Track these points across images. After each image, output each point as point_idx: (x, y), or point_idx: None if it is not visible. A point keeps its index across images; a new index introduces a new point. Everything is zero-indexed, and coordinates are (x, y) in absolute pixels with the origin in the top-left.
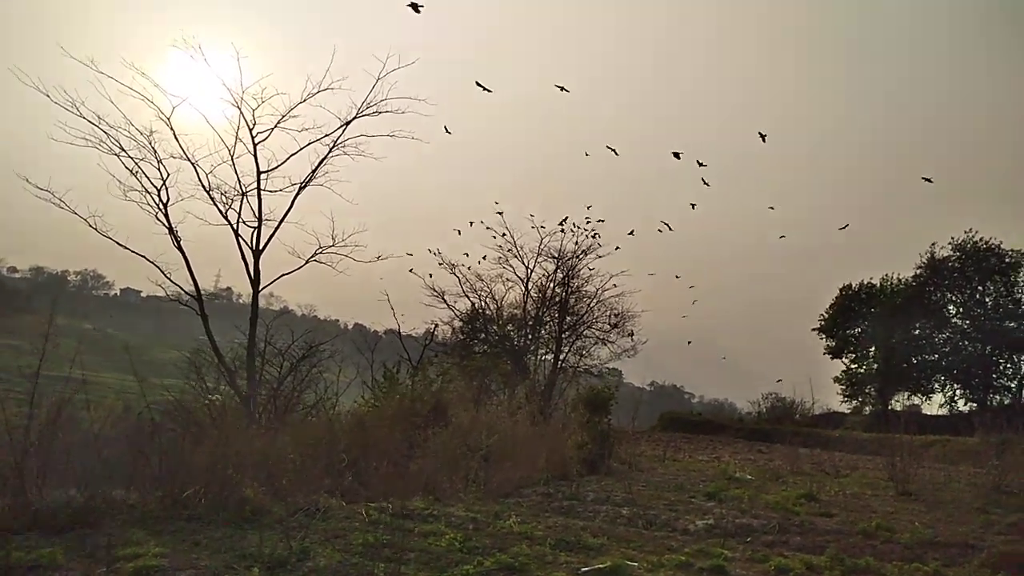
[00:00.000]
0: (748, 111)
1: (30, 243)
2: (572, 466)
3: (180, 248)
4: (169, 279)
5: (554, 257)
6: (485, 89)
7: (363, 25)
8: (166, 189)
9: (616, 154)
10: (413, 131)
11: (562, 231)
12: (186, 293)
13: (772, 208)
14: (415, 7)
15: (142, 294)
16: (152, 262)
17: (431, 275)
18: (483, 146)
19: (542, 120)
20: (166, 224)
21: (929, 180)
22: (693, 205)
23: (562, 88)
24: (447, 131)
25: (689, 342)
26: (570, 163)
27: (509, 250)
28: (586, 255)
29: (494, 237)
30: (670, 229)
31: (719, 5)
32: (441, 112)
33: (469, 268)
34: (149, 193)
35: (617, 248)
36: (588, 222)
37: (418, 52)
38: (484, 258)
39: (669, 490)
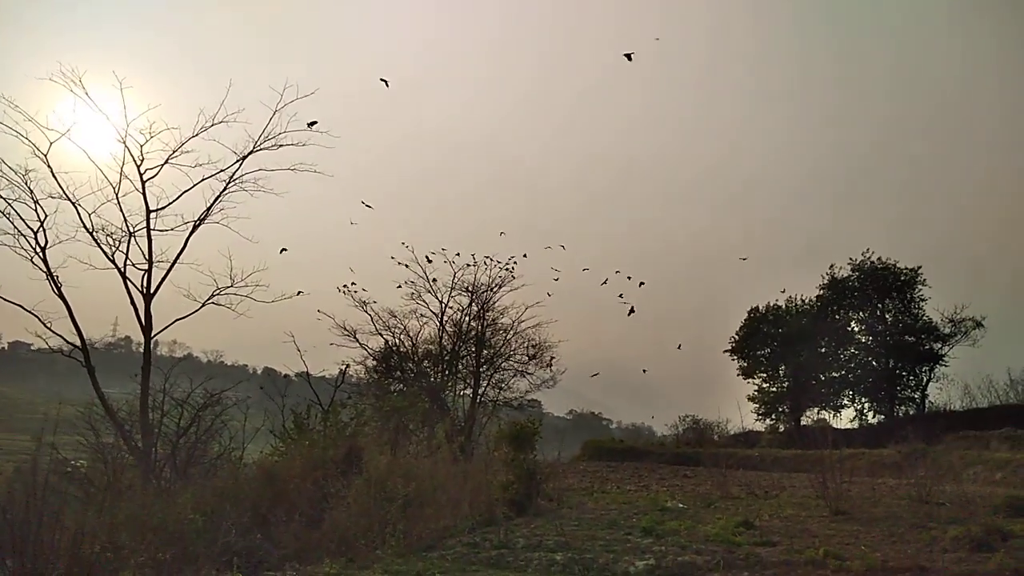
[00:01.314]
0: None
1: None
2: (498, 508)
3: (61, 295)
4: (49, 329)
5: (468, 291)
6: (386, 83)
7: (261, 57)
8: (44, 231)
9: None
10: (315, 164)
11: (475, 265)
12: (69, 344)
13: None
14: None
15: (32, 347)
16: (29, 311)
17: (333, 317)
18: (391, 179)
19: (452, 152)
20: (44, 269)
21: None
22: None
23: (384, 81)
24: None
25: (595, 374)
26: (483, 197)
27: (422, 285)
28: (500, 288)
29: (405, 279)
30: (563, 248)
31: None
32: (346, 145)
33: (376, 303)
34: (24, 236)
35: (548, 295)
36: (507, 262)
37: (320, 83)
38: (400, 286)
39: (602, 527)
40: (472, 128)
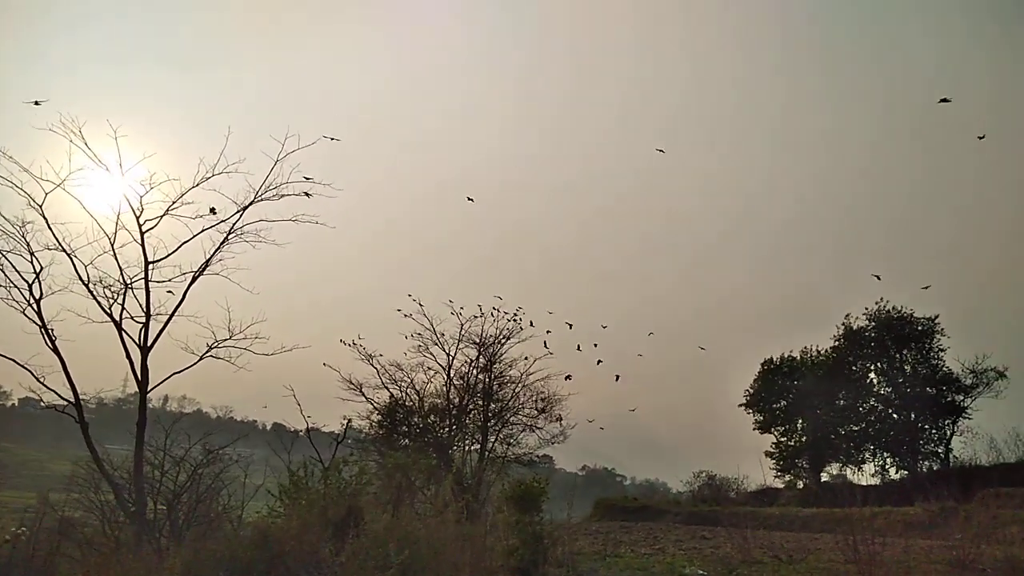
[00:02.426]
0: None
1: None
2: None
3: (55, 348)
4: (43, 384)
5: (475, 343)
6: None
7: (264, 107)
8: (39, 283)
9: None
10: (317, 216)
11: (482, 316)
12: (63, 399)
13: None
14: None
15: (41, 404)
16: (23, 365)
17: (339, 371)
18: (398, 232)
19: (456, 206)
20: (38, 322)
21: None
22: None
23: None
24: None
25: (602, 428)
26: (492, 252)
27: (428, 337)
28: (508, 340)
29: (412, 332)
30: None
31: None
32: (350, 197)
33: (382, 355)
34: (16, 287)
35: (550, 352)
36: (515, 313)
37: (322, 132)
38: (407, 337)
39: None
40: (482, 182)
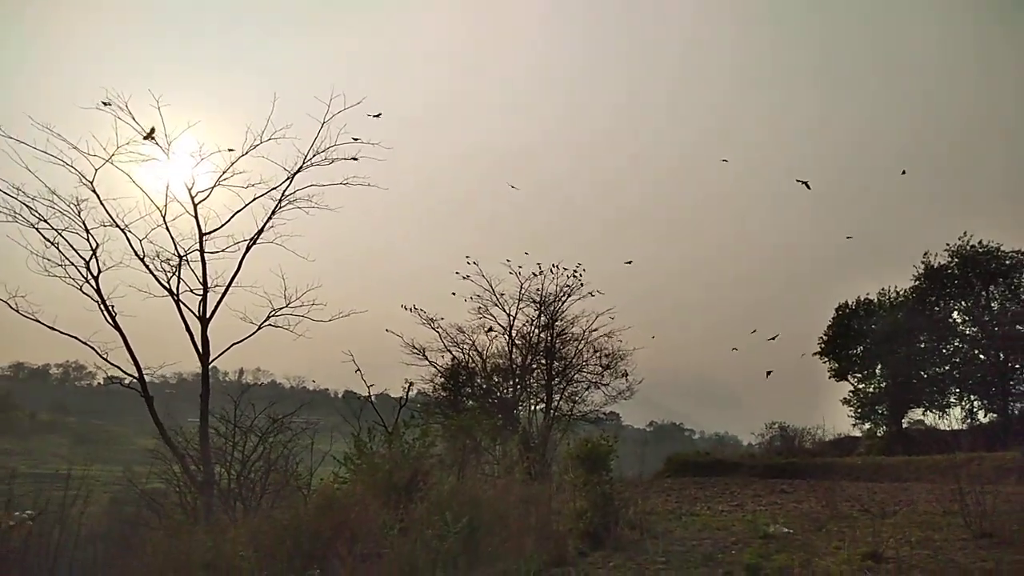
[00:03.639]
0: (724, 128)
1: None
2: (570, 542)
3: (116, 324)
4: (106, 359)
5: (535, 301)
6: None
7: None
8: (96, 260)
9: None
10: (368, 177)
11: (541, 274)
12: (126, 374)
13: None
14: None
15: (125, 381)
16: (85, 342)
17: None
18: (448, 190)
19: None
20: (97, 298)
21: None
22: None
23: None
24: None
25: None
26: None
27: (488, 299)
28: (569, 296)
29: (471, 294)
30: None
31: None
32: (398, 157)
33: (443, 319)
34: (74, 265)
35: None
36: (575, 269)
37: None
38: (466, 300)
39: (697, 564)
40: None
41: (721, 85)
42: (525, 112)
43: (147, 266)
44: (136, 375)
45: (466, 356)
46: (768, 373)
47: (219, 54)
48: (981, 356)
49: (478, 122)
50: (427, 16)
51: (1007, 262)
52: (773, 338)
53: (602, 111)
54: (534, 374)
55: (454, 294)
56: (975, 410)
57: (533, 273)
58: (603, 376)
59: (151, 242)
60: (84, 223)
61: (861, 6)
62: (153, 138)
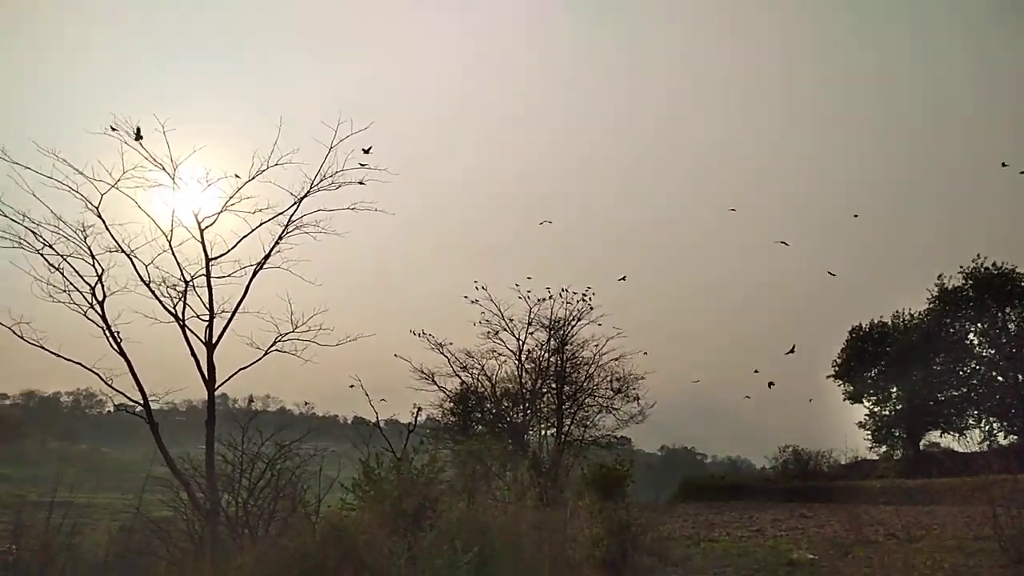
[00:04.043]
0: (730, 143)
1: (17, 368)
2: (586, 571)
3: (121, 351)
4: (111, 386)
5: (545, 326)
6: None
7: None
8: (102, 285)
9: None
10: (376, 202)
11: (550, 299)
12: (132, 401)
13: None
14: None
15: (136, 409)
16: (90, 369)
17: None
18: (457, 213)
19: (515, 187)
20: (102, 324)
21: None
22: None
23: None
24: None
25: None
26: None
27: (497, 323)
28: (579, 320)
29: (480, 319)
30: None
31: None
32: (406, 181)
33: (452, 344)
34: (79, 291)
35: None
36: (583, 293)
37: (375, 117)
38: (476, 324)
39: None
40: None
41: (722, 103)
42: (533, 133)
43: (153, 292)
44: (142, 401)
45: (475, 381)
46: (770, 384)
47: (227, 80)
48: (999, 378)
49: (485, 144)
50: (434, 41)
51: (1022, 284)
52: (791, 351)
53: (608, 128)
54: (544, 398)
55: (475, 324)
56: (994, 432)
57: (541, 298)
58: (614, 400)
59: (157, 267)
60: (90, 248)
61: (864, 21)
62: (141, 138)
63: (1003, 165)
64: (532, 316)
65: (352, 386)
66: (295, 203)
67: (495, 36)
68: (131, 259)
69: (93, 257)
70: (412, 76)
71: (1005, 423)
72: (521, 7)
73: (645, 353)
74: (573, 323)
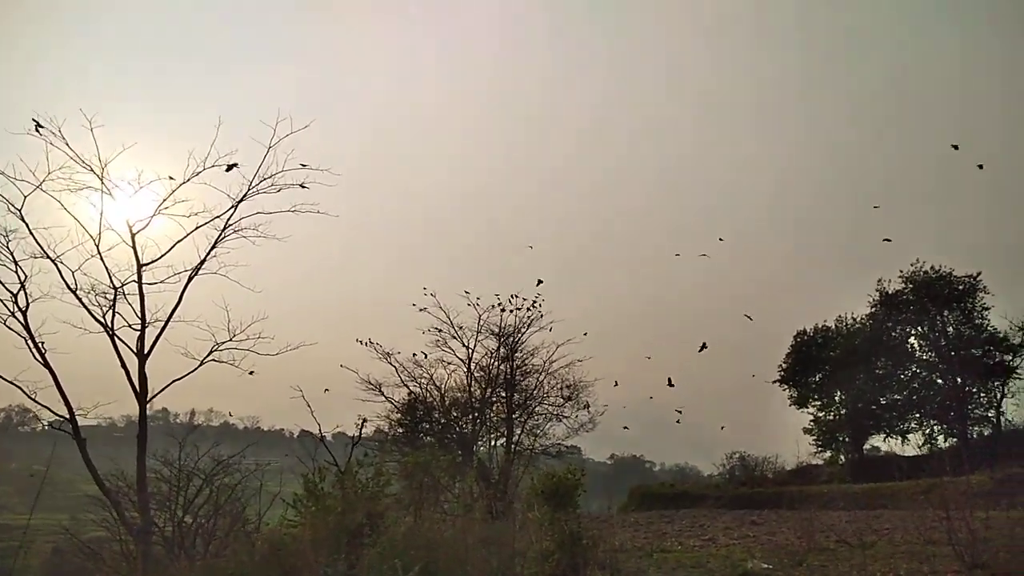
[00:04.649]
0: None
1: None
2: None
3: (46, 362)
4: (33, 399)
5: (495, 333)
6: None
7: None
8: (25, 292)
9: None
10: (318, 204)
11: (500, 307)
12: (56, 415)
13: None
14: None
15: (36, 421)
16: (10, 381)
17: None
18: (410, 221)
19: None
20: (24, 334)
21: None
22: None
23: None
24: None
25: (626, 428)
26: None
27: (447, 331)
28: (528, 328)
29: (429, 327)
30: None
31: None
32: (350, 185)
33: (399, 353)
34: (0, 299)
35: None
36: (534, 300)
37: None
38: (424, 332)
39: None
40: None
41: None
42: (493, 143)
43: (80, 299)
44: (68, 416)
45: (423, 390)
46: (669, 382)
47: (159, 80)
48: (939, 381)
49: (444, 151)
50: (384, 50)
51: (960, 287)
52: (702, 348)
53: (571, 138)
54: (494, 407)
55: (423, 332)
56: (935, 435)
57: (492, 305)
58: (564, 407)
59: (85, 274)
60: (12, 254)
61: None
62: (41, 128)
63: (953, 147)
64: (481, 323)
65: (293, 398)
66: (232, 206)
67: (457, 46)
68: (56, 265)
69: (15, 263)
70: (367, 81)
71: (945, 425)
72: (495, 10)
73: (616, 384)
74: (523, 330)
